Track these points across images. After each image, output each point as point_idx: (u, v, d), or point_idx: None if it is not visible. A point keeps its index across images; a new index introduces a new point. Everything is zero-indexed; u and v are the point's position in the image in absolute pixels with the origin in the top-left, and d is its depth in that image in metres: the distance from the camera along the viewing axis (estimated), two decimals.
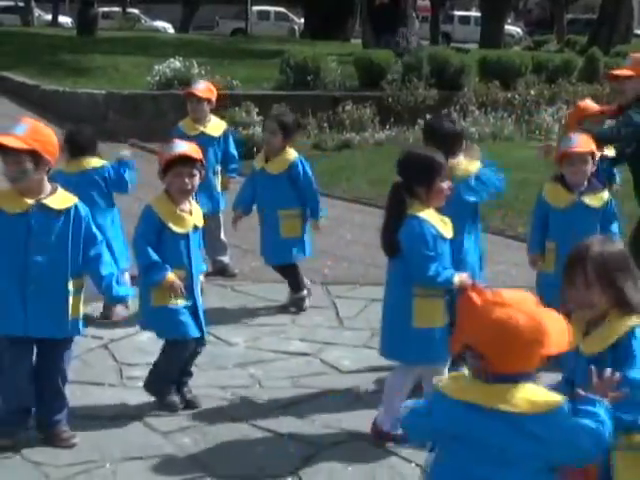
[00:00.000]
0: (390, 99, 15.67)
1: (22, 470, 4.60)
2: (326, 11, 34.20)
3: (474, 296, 2.80)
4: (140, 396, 5.39)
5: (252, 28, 43.75)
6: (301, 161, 6.98)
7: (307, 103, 15.05)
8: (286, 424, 5.13)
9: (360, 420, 5.15)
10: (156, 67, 15.83)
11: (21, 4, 46.41)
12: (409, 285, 4.68)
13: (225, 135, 7.78)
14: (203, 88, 7.81)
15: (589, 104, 7.19)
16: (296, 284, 7.03)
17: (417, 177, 4.66)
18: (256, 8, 49.80)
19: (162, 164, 5.15)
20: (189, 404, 5.30)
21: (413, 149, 4.98)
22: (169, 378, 5.29)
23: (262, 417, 5.21)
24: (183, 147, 5.23)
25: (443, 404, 2.88)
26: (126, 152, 6.95)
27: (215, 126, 7.73)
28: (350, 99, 15.40)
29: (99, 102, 15.36)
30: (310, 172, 6.99)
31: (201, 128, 7.55)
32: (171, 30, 43.60)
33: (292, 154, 6.99)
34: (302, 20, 43.55)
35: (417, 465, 4.63)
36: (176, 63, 15.80)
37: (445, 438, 2.92)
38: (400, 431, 4.57)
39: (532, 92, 16.45)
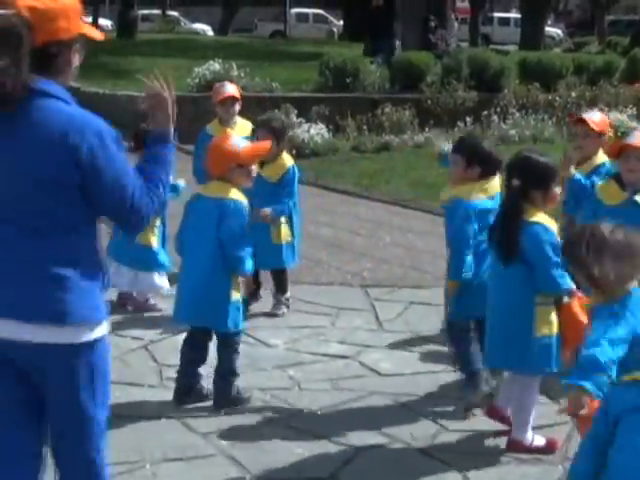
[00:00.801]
0: (429, 101, 15.63)
1: None
2: (364, 13, 34.18)
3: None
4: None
5: (291, 30, 43.86)
6: (294, 168, 6.98)
7: (346, 105, 15.06)
8: (325, 426, 5.11)
9: (399, 423, 5.13)
10: (196, 69, 15.91)
11: None
12: (531, 293, 4.62)
13: (252, 135, 7.77)
14: (235, 89, 7.84)
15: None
16: (284, 286, 7.10)
17: (534, 181, 4.61)
18: (295, 10, 49.87)
19: None
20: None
21: (530, 153, 4.89)
22: (235, 374, 5.38)
23: (301, 419, 5.20)
24: None
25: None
26: (182, 183, 6.95)
27: (242, 127, 7.71)
28: (389, 101, 15.38)
29: (139, 104, 15.43)
30: (296, 181, 7.01)
31: (229, 130, 7.55)
32: (210, 33, 43.77)
33: (288, 160, 7.04)
34: (341, 22, 43.61)
35: (457, 471, 4.61)
36: (215, 65, 15.86)
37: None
38: (535, 440, 4.73)
39: (573, 94, 16.32)
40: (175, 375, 5.48)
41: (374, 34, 16.96)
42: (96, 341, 3.17)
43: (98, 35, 3.48)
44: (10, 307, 3.07)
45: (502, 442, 4.87)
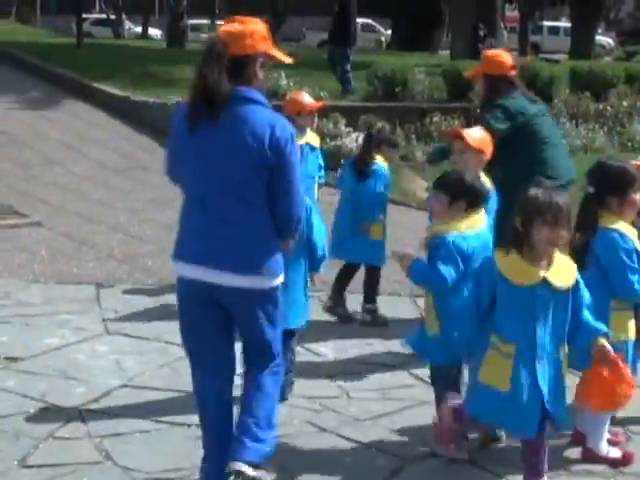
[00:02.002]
0: (478, 110, 15.58)
1: (112, 475, 4.68)
2: (413, 22, 34.17)
3: None
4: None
5: None
6: None
7: (395, 114, 15.09)
8: (374, 436, 5.13)
9: None
10: None
11: (112, 17, 47.34)
12: (607, 298, 4.59)
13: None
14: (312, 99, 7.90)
15: None
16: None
17: (610, 187, 4.58)
18: None
19: None
20: None
21: (605, 159, 4.85)
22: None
23: (350, 428, 5.21)
24: None
25: None
26: None
27: (314, 137, 7.75)
28: (438, 110, 15.37)
29: None
30: None
31: (305, 139, 7.56)
32: None
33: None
34: (389, 31, 43.62)
35: (498, 478, 4.61)
36: None
37: None
38: (611, 452, 4.76)
39: (624, 103, 16.21)
40: None
41: (335, 41, 17.03)
42: (277, 287, 4.37)
43: (285, 59, 4.52)
44: (225, 260, 4.18)
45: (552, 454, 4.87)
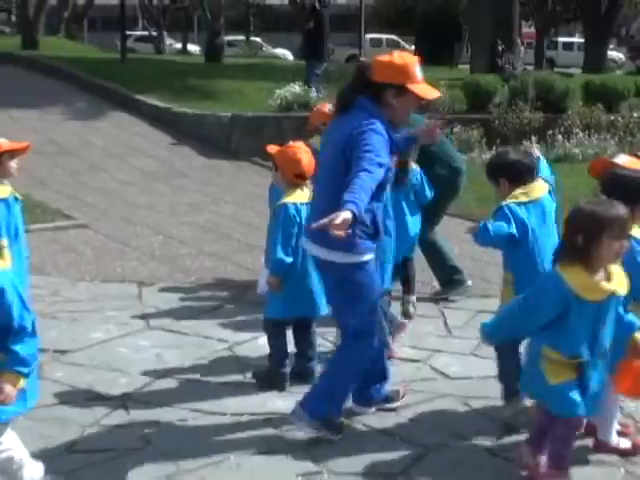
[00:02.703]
0: (497, 121, 15.57)
1: (152, 460, 4.69)
2: (435, 38, 34.12)
3: None
4: (263, 394, 5.51)
5: (365, 55, 43.78)
6: None
7: None
8: (397, 426, 5.12)
9: (466, 424, 5.13)
10: (277, 91, 16.05)
11: (154, 34, 47.53)
12: (627, 300, 4.44)
13: None
14: None
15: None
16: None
17: (623, 196, 4.42)
18: (369, 36, 49.87)
19: None
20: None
21: (619, 170, 4.79)
22: None
23: (375, 419, 5.20)
24: None
25: None
26: None
27: None
28: (458, 121, 15.34)
29: (225, 123, 15.61)
30: None
31: None
32: (290, 57, 44.09)
33: None
34: (412, 47, 43.53)
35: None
36: (296, 87, 15.98)
37: None
38: (621, 443, 4.73)
39: (635, 115, 16.10)
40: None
41: (306, 56, 17.01)
42: (355, 264, 4.71)
43: (427, 95, 4.80)
44: (320, 239, 4.55)
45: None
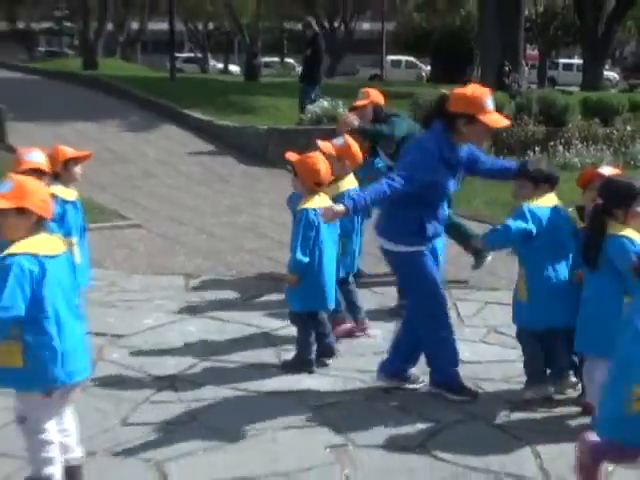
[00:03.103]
0: (504, 133, 15.46)
1: (198, 433, 4.69)
2: (449, 60, 34.01)
3: None
4: (297, 375, 5.51)
5: (386, 74, 43.74)
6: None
7: None
8: (415, 404, 5.09)
9: (478, 403, 5.09)
10: (308, 106, 16.01)
11: (200, 55, 47.73)
12: (620, 293, 4.43)
13: None
14: None
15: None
16: None
17: (615, 201, 4.43)
18: (390, 57, 49.89)
19: None
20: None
21: (615, 176, 4.70)
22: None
23: (394, 397, 5.19)
24: None
25: None
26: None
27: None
28: None
29: (262, 135, 15.63)
30: None
31: None
32: None
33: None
34: (428, 68, 43.45)
35: (528, 444, 4.55)
36: (324, 103, 15.93)
37: None
38: None
39: (628, 128, 15.93)
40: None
41: (302, 80, 16.85)
42: (401, 252, 5.05)
43: (495, 124, 4.87)
44: (381, 231, 5.10)
45: (570, 422, 4.81)
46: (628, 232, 4.45)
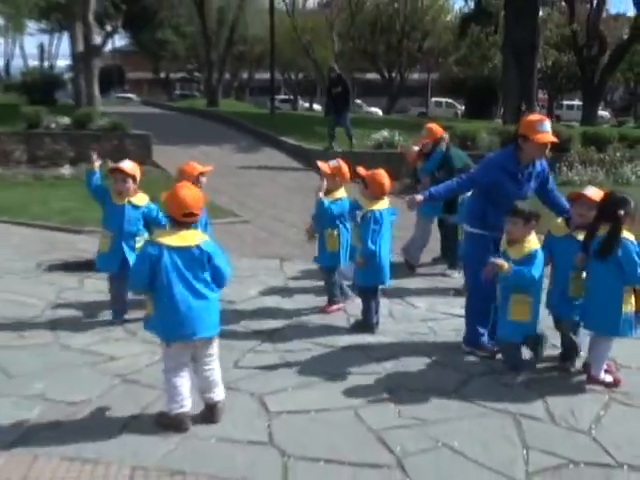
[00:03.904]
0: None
1: (286, 375, 4.70)
2: (479, 101, 33.44)
3: None
4: (362, 335, 5.45)
5: (431, 112, 43.33)
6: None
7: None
8: (449, 358, 5.02)
9: (498, 358, 4.98)
10: (372, 135, 15.93)
11: (291, 97, 47.88)
12: (621, 283, 4.33)
13: None
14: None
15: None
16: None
17: (609, 210, 4.32)
18: (434, 99, 49.35)
19: None
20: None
21: (613, 191, 4.53)
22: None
23: (434, 353, 5.11)
24: None
25: None
26: None
27: None
28: None
29: (338, 156, 15.52)
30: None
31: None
32: (380, 113, 43.82)
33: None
34: (463, 107, 42.79)
35: (538, 394, 4.44)
36: (384, 133, 15.83)
37: None
38: (606, 378, 4.56)
39: (618, 154, 15.44)
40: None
41: (336, 112, 16.18)
42: (468, 232, 5.08)
43: (545, 140, 4.75)
44: (464, 216, 5.22)
45: (570, 378, 4.67)
46: (628, 235, 4.32)
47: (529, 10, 21.37)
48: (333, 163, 5.93)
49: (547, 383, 4.63)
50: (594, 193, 4.53)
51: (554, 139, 4.82)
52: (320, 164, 5.90)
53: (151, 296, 3.86)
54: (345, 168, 5.95)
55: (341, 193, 5.93)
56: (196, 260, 3.84)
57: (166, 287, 3.76)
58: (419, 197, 4.95)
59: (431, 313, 6.11)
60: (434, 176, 7.13)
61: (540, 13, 25.37)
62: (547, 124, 4.76)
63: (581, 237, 4.48)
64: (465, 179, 5.01)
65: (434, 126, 7.42)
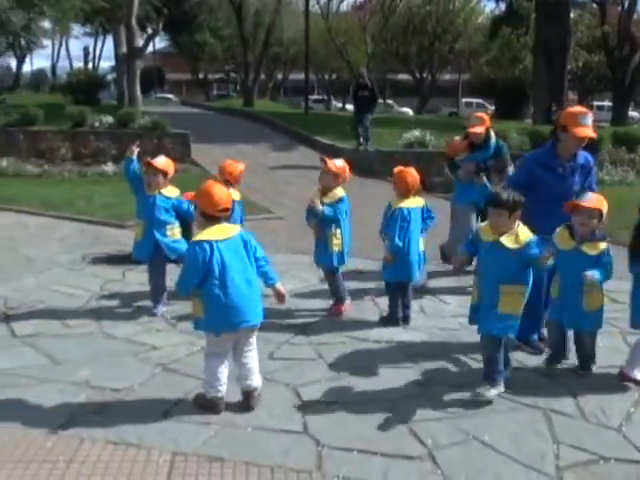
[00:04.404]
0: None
1: (320, 367, 4.70)
2: (509, 102, 33.04)
3: None
4: (394, 329, 5.43)
5: (461, 112, 42.92)
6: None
7: None
8: (480, 354, 4.95)
9: (530, 356, 4.93)
10: (404, 135, 15.85)
11: (325, 97, 47.83)
12: None
13: None
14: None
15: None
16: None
17: None
18: (464, 99, 48.93)
19: None
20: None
21: None
22: None
23: (464, 348, 5.07)
24: None
25: None
26: None
27: None
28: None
29: (370, 155, 15.56)
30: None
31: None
32: (411, 113, 43.55)
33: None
34: (493, 107, 42.29)
35: (567, 387, 4.38)
36: (416, 132, 15.74)
37: None
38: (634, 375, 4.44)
39: None
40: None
41: (359, 112, 16.38)
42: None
43: (583, 134, 4.61)
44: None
45: (604, 376, 4.60)
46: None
47: (560, 12, 21.07)
48: (339, 163, 5.71)
49: (577, 379, 4.56)
50: (591, 201, 4.30)
51: (593, 134, 4.65)
52: (328, 161, 5.60)
53: (199, 296, 3.87)
54: (347, 169, 5.71)
55: (340, 191, 5.68)
56: (241, 250, 3.92)
57: (218, 281, 3.80)
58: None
59: (462, 309, 6.02)
60: (478, 165, 6.69)
61: (571, 15, 24.97)
62: (589, 118, 4.62)
63: (588, 250, 4.30)
64: (511, 176, 4.87)
65: (484, 115, 6.93)
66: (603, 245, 4.35)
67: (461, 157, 6.89)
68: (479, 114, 7.00)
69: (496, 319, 4.13)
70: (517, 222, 4.14)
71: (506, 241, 4.09)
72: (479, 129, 6.69)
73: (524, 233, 4.12)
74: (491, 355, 4.24)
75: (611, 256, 4.36)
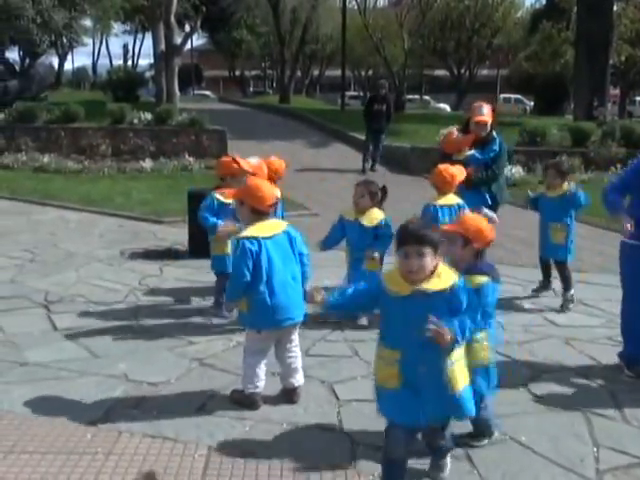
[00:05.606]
0: (592, 154, 14.70)
1: (356, 364, 4.66)
2: (549, 98, 32.48)
3: None
4: None
5: (499, 108, 42.36)
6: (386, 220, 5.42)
7: (535, 155, 14.53)
8: (518, 354, 4.91)
9: (569, 356, 4.86)
10: (441, 131, 15.70)
11: (361, 94, 47.69)
12: None
13: None
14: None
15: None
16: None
17: None
18: (502, 95, 48.29)
19: None
20: None
21: None
22: None
23: (503, 348, 4.95)
24: None
25: None
26: None
27: None
28: (565, 153, 14.55)
29: (406, 152, 15.48)
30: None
31: None
32: (448, 109, 43.19)
33: (379, 214, 5.44)
34: (532, 103, 41.67)
35: (589, 380, 4.28)
36: (453, 129, 15.56)
37: None
38: None
39: None
40: None
41: (373, 126, 14.92)
42: (622, 242, 4.47)
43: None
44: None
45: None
46: None
47: (603, 5, 20.64)
48: (253, 161, 5.21)
49: (617, 382, 4.46)
50: None
51: None
52: (241, 161, 5.07)
53: (247, 293, 3.85)
54: (265, 169, 5.23)
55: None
56: (288, 246, 3.92)
57: (266, 278, 3.80)
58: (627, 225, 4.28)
59: (501, 308, 5.97)
60: (476, 170, 6.08)
61: (614, 8, 24.42)
62: None
63: None
64: (612, 183, 4.43)
65: (491, 106, 6.34)
66: None
67: (463, 155, 6.07)
68: (484, 104, 6.33)
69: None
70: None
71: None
72: (485, 117, 6.02)
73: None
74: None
75: None
